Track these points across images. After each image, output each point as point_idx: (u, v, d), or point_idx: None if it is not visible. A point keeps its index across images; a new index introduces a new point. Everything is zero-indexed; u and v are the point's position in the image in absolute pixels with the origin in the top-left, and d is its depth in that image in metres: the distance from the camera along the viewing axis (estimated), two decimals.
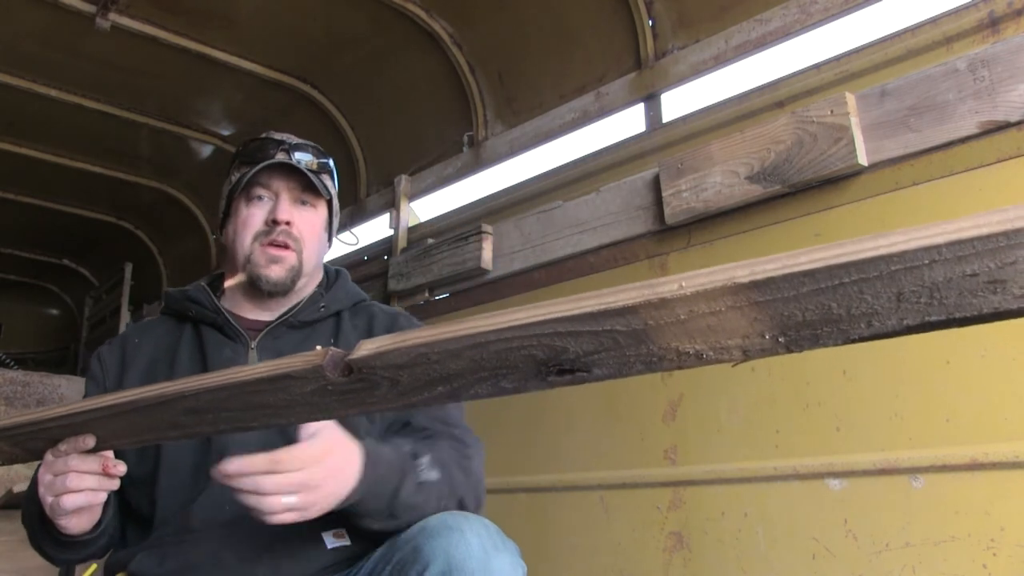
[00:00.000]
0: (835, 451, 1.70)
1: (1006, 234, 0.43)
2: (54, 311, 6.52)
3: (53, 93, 3.46)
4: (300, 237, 1.28)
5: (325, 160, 1.36)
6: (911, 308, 0.49)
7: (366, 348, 0.68)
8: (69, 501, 0.98)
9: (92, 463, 0.97)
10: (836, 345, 0.55)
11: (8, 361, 5.49)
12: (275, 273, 1.26)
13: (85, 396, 1.30)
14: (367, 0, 2.88)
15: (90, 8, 2.86)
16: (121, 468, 0.99)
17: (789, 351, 0.56)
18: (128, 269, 5.06)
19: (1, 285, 5.98)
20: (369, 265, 3.24)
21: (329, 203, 1.37)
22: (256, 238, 1.27)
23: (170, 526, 1.14)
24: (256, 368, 0.77)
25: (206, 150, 4.13)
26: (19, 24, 2.99)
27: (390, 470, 1.02)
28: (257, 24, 3.09)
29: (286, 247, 1.27)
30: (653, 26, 2.39)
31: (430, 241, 2.93)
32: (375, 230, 4.34)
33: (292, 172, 1.29)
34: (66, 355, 6.24)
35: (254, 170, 1.28)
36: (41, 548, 1.18)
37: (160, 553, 1.13)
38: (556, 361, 0.59)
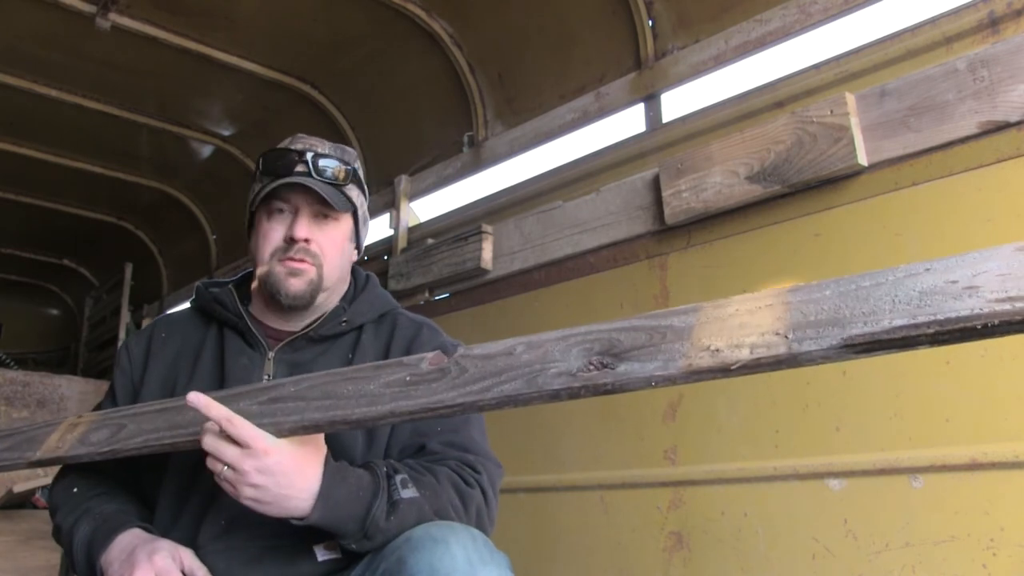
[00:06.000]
0: (835, 451, 1.70)
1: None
2: (54, 311, 6.52)
3: (53, 93, 3.47)
4: (320, 252, 1.27)
5: (351, 168, 1.31)
6: (902, 310, 0.65)
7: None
8: None
9: None
10: (831, 346, 0.68)
11: (8, 361, 5.49)
12: (294, 287, 1.25)
13: (112, 387, 1.32)
14: (367, 0, 2.88)
15: (90, 8, 2.87)
16: None
17: (789, 351, 0.70)
18: (128, 269, 5.05)
19: (1, 285, 5.97)
20: (369, 265, 3.23)
21: (355, 212, 1.34)
22: (274, 255, 1.26)
23: (166, 534, 1.15)
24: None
25: (206, 150, 4.13)
26: (19, 24, 2.99)
27: (359, 486, 1.03)
28: (257, 24, 3.09)
29: (303, 262, 1.26)
30: (653, 26, 2.40)
31: (430, 241, 2.93)
32: (375, 230, 4.33)
33: (312, 187, 1.26)
34: (66, 355, 6.24)
35: (272, 185, 1.25)
36: None
37: None
38: (608, 352, 0.81)
